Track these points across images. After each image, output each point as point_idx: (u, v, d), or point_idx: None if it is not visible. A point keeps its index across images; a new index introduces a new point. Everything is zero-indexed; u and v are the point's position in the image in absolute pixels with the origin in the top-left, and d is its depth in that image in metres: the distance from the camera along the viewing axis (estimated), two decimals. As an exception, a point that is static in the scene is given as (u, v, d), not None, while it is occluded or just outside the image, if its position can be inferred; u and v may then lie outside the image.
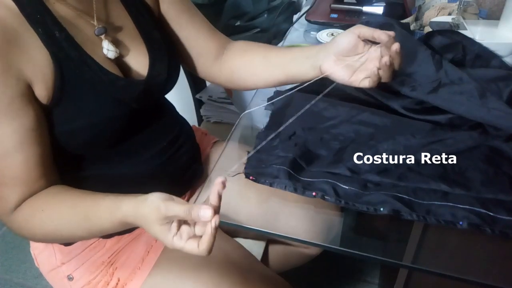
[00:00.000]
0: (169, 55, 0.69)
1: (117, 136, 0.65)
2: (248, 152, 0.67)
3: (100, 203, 0.55)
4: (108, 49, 0.61)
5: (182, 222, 0.49)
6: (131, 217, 0.52)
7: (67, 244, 0.72)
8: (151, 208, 0.49)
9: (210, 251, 0.47)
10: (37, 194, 0.58)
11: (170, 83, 0.71)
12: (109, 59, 0.62)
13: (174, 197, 0.50)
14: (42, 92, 0.55)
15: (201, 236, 0.48)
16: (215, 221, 0.46)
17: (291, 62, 0.68)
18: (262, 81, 0.73)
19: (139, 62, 0.66)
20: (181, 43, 0.76)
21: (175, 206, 0.47)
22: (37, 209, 0.57)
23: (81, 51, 0.58)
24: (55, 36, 0.55)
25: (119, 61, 0.64)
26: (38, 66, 0.54)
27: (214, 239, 0.47)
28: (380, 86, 0.76)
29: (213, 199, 0.46)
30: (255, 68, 0.73)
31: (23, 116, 0.53)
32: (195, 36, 0.75)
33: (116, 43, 0.63)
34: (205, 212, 0.45)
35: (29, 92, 0.54)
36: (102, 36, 0.61)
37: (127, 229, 0.74)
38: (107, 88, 0.60)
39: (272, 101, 0.80)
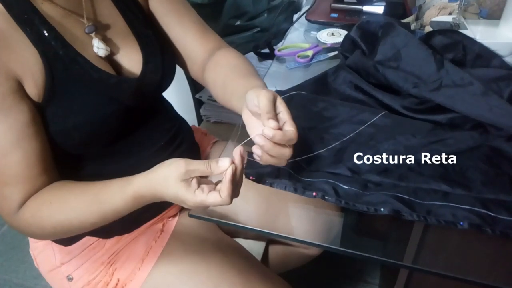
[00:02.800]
0: (163, 52, 0.69)
1: (113, 135, 0.65)
2: (248, 153, 0.67)
3: (110, 184, 0.56)
4: (98, 47, 0.60)
5: (201, 180, 0.52)
6: (145, 187, 0.53)
7: (67, 244, 0.72)
8: (171, 167, 0.51)
9: (231, 198, 0.49)
10: (41, 190, 0.57)
11: (165, 81, 0.71)
12: (101, 57, 0.61)
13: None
14: (33, 90, 0.55)
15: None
16: (232, 168, 0.49)
17: (240, 100, 0.59)
18: (222, 103, 0.69)
19: (132, 60, 0.65)
20: (171, 43, 0.74)
21: (194, 162, 0.50)
22: (43, 203, 0.56)
23: (71, 50, 0.58)
24: (44, 35, 0.55)
25: (111, 59, 0.64)
26: (27, 65, 0.54)
27: (233, 186, 0.49)
28: (381, 84, 0.77)
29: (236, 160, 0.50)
30: (216, 90, 0.70)
31: (17, 113, 0.53)
32: (182, 38, 0.74)
33: (107, 41, 0.63)
34: (223, 161, 0.49)
35: (20, 89, 0.54)
36: (92, 34, 0.61)
37: (127, 229, 0.74)
38: (98, 86, 0.60)
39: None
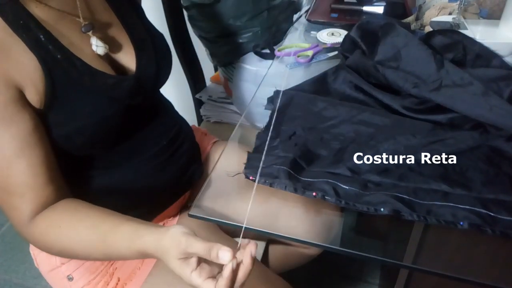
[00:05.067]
0: (156, 46, 0.68)
1: (115, 136, 0.65)
2: (248, 152, 0.67)
3: (120, 228, 0.54)
4: (97, 45, 0.60)
5: (202, 259, 0.48)
6: (152, 249, 0.51)
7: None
8: (172, 242, 0.48)
9: None
10: (53, 207, 0.57)
11: (161, 77, 0.71)
12: (99, 56, 0.61)
13: (194, 233, 0.49)
14: (34, 96, 0.55)
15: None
16: (233, 264, 0.45)
17: None
18: None
19: (128, 57, 0.65)
20: None
21: (196, 243, 0.47)
22: (53, 225, 0.56)
23: (68, 53, 0.57)
24: (40, 40, 0.55)
25: (109, 58, 0.64)
26: (26, 72, 0.53)
27: (231, 283, 0.46)
28: (381, 84, 0.77)
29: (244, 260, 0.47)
30: None
31: (19, 121, 0.53)
32: None
33: (103, 39, 0.62)
34: (224, 254, 0.45)
35: (21, 98, 0.54)
36: (90, 33, 0.60)
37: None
38: (97, 87, 0.59)
39: (274, 99, 0.80)
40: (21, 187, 0.55)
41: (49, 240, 0.57)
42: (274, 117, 0.73)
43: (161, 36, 0.73)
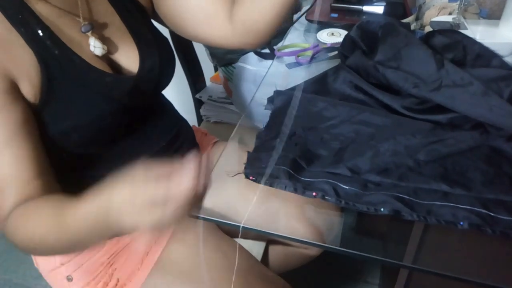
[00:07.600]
0: (160, 49, 0.68)
1: (112, 135, 0.65)
2: (248, 152, 0.67)
3: (84, 196, 0.49)
4: (94, 46, 0.60)
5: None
6: (114, 197, 0.47)
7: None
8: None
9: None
10: (30, 200, 0.54)
11: (163, 79, 0.70)
12: (98, 56, 0.61)
13: None
14: (29, 91, 0.55)
15: None
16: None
17: None
18: (271, 12, 0.60)
19: (129, 58, 0.65)
20: (185, 12, 0.67)
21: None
22: (24, 213, 0.53)
23: (67, 49, 0.57)
24: (39, 35, 0.55)
25: (108, 58, 0.64)
26: (22, 66, 0.54)
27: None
28: (381, 84, 0.77)
29: None
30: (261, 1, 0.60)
31: (10, 111, 0.53)
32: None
33: (103, 40, 0.62)
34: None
35: (15, 90, 0.53)
36: (89, 33, 0.60)
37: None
38: (95, 85, 0.59)
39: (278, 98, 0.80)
40: (6, 179, 0.54)
41: (21, 231, 0.52)
42: (290, 117, 0.73)
43: (165, 40, 0.73)
